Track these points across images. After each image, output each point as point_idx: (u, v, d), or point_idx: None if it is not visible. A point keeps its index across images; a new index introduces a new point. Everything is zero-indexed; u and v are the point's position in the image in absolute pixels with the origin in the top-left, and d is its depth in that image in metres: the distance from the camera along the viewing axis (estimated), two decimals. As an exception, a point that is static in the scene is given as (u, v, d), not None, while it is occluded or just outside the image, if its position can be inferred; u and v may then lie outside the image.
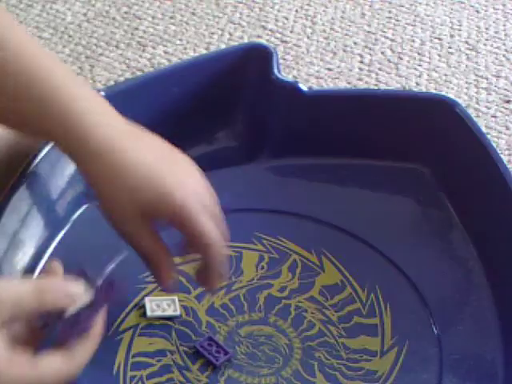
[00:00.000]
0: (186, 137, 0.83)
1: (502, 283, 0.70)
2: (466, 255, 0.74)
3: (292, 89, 0.81)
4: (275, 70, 0.82)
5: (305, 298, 0.74)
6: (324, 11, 1.14)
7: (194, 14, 1.12)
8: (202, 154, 0.83)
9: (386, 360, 0.69)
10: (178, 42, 1.09)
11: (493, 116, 0.98)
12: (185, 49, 1.07)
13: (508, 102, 1.00)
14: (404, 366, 0.69)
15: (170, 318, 0.72)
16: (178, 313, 0.72)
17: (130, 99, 0.81)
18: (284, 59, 1.06)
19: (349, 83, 1.04)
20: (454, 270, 0.74)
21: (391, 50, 1.09)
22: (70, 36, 1.08)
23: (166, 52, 1.07)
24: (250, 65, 0.83)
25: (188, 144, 0.83)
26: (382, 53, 1.08)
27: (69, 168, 0.76)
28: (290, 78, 0.85)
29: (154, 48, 1.08)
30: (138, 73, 1.02)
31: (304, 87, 0.81)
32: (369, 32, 1.11)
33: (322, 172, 0.82)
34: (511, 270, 0.69)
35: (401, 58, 1.07)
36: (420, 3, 1.15)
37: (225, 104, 0.84)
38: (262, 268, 0.76)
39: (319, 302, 0.74)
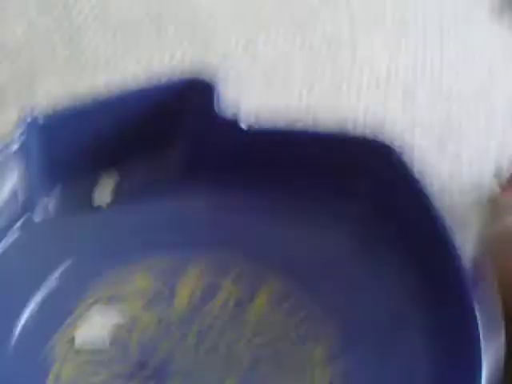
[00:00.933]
0: (123, 165, 0.83)
1: (434, 326, 0.71)
2: (398, 295, 0.75)
3: (232, 125, 0.82)
4: (216, 105, 0.82)
5: (236, 334, 0.74)
6: (265, 45, 1.15)
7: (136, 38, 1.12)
8: (137, 187, 0.83)
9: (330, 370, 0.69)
10: (120, 68, 1.08)
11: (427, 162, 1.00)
12: (125, 75, 1.06)
13: (442, 148, 1.02)
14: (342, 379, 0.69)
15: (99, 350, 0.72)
16: (107, 345, 0.72)
17: (66, 127, 0.81)
18: (226, 94, 1.06)
19: (287, 119, 1.05)
20: (386, 310, 0.75)
21: (332, 88, 1.10)
22: (9, 58, 1.07)
23: (106, 78, 1.07)
24: (190, 98, 0.84)
25: (124, 175, 0.83)
26: (323, 91, 1.10)
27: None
28: (232, 112, 0.86)
29: (94, 74, 1.07)
30: (77, 99, 1.01)
31: (243, 124, 0.82)
32: (309, 69, 1.12)
33: (254, 209, 0.82)
34: (443, 315, 0.70)
35: (339, 99, 1.09)
36: (359, 43, 1.17)
37: (162, 134, 0.84)
38: (195, 301, 0.76)
39: (250, 339, 0.74)
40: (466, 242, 0.89)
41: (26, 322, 0.73)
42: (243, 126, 0.82)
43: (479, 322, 0.65)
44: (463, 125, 1.05)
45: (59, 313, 0.74)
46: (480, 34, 1.17)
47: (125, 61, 1.09)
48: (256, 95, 1.08)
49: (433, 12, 1.20)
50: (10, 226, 0.78)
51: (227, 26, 1.14)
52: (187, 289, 0.77)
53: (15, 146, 0.78)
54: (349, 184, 0.81)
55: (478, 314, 0.66)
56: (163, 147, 0.84)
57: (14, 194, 0.78)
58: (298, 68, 1.13)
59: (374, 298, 0.75)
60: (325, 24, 1.17)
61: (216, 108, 0.83)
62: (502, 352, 0.65)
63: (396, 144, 0.81)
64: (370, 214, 0.79)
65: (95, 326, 0.73)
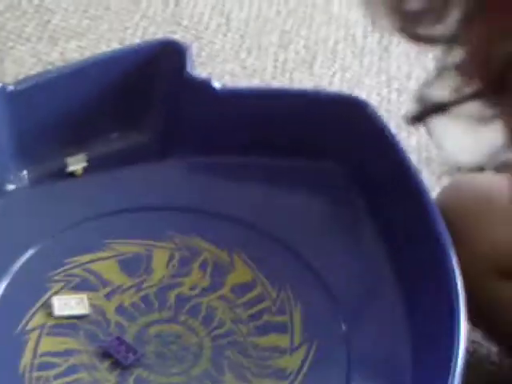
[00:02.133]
0: (97, 134, 0.82)
1: (409, 280, 0.71)
2: (375, 253, 0.75)
3: (205, 86, 0.81)
4: (188, 67, 0.81)
5: (216, 296, 0.74)
6: (239, 9, 1.14)
7: (108, 8, 1.11)
8: (113, 152, 0.82)
9: (296, 357, 0.70)
10: (92, 36, 1.07)
11: (403, 116, 0.99)
12: (98, 43, 1.05)
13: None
14: (313, 362, 0.69)
15: (78, 317, 0.71)
16: (86, 311, 0.71)
17: (39, 94, 0.79)
18: (199, 56, 1.05)
19: (263, 81, 1.04)
20: (363, 267, 0.75)
21: (306, 49, 1.09)
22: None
23: (78, 46, 1.06)
24: (163, 61, 0.83)
25: (99, 141, 0.82)
26: (296, 52, 1.09)
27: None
28: (203, 74, 0.85)
29: (66, 42, 1.06)
30: (50, 67, 1.00)
31: (217, 84, 0.81)
32: (283, 31, 1.12)
33: (234, 170, 0.82)
34: (419, 267, 0.70)
35: (315, 58, 1.08)
36: (334, 3, 1.16)
37: (137, 100, 0.83)
38: (173, 266, 0.76)
39: (230, 300, 0.73)
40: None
41: (3, 293, 0.72)
42: (216, 86, 0.81)
43: (455, 287, 0.65)
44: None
45: (36, 283, 0.73)
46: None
47: (98, 30, 1.08)
48: (231, 57, 1.07)
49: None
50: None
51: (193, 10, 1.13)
52: (165, 254, 0.76)
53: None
54: (324, 141, 0.80)
55: (454, 278, 0.65)
56: (138, 111, 0.83)
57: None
58: (273, 29, 1.12)
59: (352, 261, 0.75)
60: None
61: (189, 69, 0.81)
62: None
63: (370, 100, 0.80)
64: (345, 172, 0.79)
65: (73, 295, 0.72)
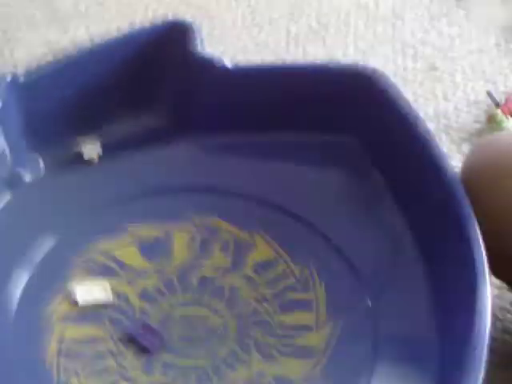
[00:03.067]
0: (109, 117, 0.81)
1: (432, 253, 0.70)
2: (396, 225, 0.74)
3: (216, 65, 0.80)
4: (198, 46, 0.80)
5: (238, 276, 0.73)
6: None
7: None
8: (127, 134, 0.82)
9: (322, 334, 0.69)
10: (101, 21, 1.06)
11: (420, 83, 0.98)
12: (108, 28, 1.04)
13: (434, 69, 1.00)
14: (340, 339, 0.69)
15: (101, 305, 0.71)
16: (110, 299, 0.71)
17: (50, 82, 0.79)
18: (210, 35, 1.04)
19: (276, 56, 1.03)
20: (385, 241, 0.74)
21: (317, 21, 1.08)
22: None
23: (88, 32, 1.05)
24: (172, 42, 0.82)
25: (113, 124, 0.82)
26: (309, 25, 1.08)
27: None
28: (215, 53, 0.84)
29: (76, 28, 1.05)
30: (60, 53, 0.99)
31: (228, 63, 0.80)
32: (294, 4, 1.10)
33: (249, 148, 0.81)
34: (442, 240, 0.69)
35: (327, 30, 1.06)
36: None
37: (148, 82, 0.82)
38: (194, 248, 0.75)
39: (253, 279, 0.73)
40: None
41: (26, 282, 0.72)
42: (227, 64, 0.80)
43: (479, 255, 0.64)
44: (455, 45, 1.03)
45: (58, 270, 0.73)
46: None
47: (107, 15, 1.07)
48: (243, 35, 1.06)
49: None
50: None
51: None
52: (185, 236, 0.76)
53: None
54: (341, 114, 0.79)
55: (477, 246, 0.64)
56: (149, 93, 0.82)
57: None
58: (283, 2, 1.11)
59: (373, 235, 0.74)
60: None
61: (199, 48, 0.80)
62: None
63: (385, 70, 0.79)
64: (361, 145, 0.78)
65: (95, 282, 0.72)
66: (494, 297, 0.74)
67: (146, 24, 0.85)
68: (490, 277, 0.64)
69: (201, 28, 0.82)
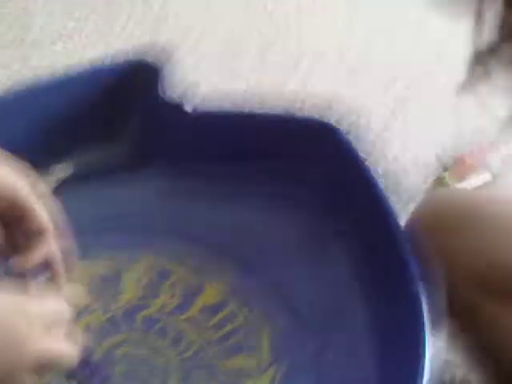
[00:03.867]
0: (68, 150, 0.82)
1: (378, 304, 0.71)
2: (346, 280, 0.75)
3: (177, 109, 0.81)
4: (160, 89, 0.81)
5: (184, 317, 0.74)
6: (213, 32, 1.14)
7: (93, 10, 1.10)
8: (85, 167, 0.82)
9: (264, 379, 0.70)
10: (78, 38, 1.06)
11: (372, 144, 1.00)
12: (84, 46, 1.05)
13: (387, 129, 1.02)
14: (282, 384, 0.69)
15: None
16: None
17: (17, 107, 0.79)
18: (184, 61, 1.05)
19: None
20: (332, 291, 0.75)
21: (281, 68, 1.10)
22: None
23: (65, 48, 1.05)
24: (137, 80, 0.83)
25: (73, 162, 0.82)
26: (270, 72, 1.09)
27: None
28: (177, 96, 0.84)
29: (53, 44, 1.05)
30: (36, 70, 0.99)
31: (188, 108, 0.81)
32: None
33: (204, 194, 0.82)
34: (387, 292, 0.71)
35: (289, 79, 1.08)
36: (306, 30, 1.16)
37: (112, 117, 0.83)
38: (142, 287, 0.75)
39: (199, 321, 0.73)
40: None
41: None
42: (188, 108, 0.81)
43: (426, 318, 0.65)
44: (409, 107, 1.06)
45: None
46: (428, 21, 1.18)
47: (84, 32, 1.07)
48: (204, 79, 1.07)
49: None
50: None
51: (178, 11, 1.13)
52: (134, 275, 0.76)
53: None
54: (296, 166, 0.81)
55: (424, 310, 0.65)
56: (111, 133, 0.83)
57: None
58: (246, 51, 1.12)
59: (322, 286, 0.75)
60: (273, 12, 1.17)
61: (161, 91, 0.81)
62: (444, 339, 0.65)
63: (342, 125, 0.81)
64: (315, 195, 0.79)
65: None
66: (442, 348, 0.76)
67: (117, 59, 0.85)
68: (436, 332, 0.65)
69: (165, 69, 0.83)
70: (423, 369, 0.62)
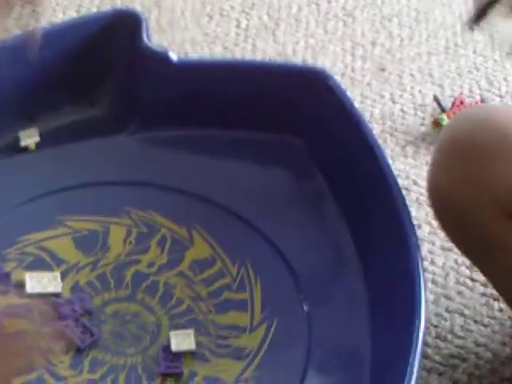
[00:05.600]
0: (50, 106, 0.80)
1: (371, 258, 0.70)
2: (337, 229, 0.74)
3: (161, 58, 0.79)
4: (144, 38, 0.79)
5: (174, 273, 0.72)
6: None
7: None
8: (68, 124, 0.80)
9: (255, 336, 0.68)
10: (48, 2, 1.04)
11: (368, 84, 0.98)
12: (54, 11, 1.02)
13: (383, 70, 1.00)
14: (273, 342, 0.68)
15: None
16: (59, 289, 0.70)
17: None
18: (158, 24, 1.03)
19: (225, 48, 1.02)
20: (325, 244, 0.74)
21: (268, 15, 1.07)
22: None
23: (34, 11, 1.02)
24: (118, 32, 0.81)
25: (54, 114, 0.80)
26: (259, 18, 1.06)
27: None
28: (161, 45, 0.82)
29: (22, 7, 1.03)
30: (4, 33, 0.97)
31: (174, 56, 0.79)
32: (246, -4, 1.09)
33: (192, 144, 0.80)
34: (380, 244, 0.69)
35: (278, 24, 1.06)
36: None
37: (92, 72, 0.81)
38: (130, 243, 0.74)
39: (189, 277, 0.72)
40: (408, 165, 0.88)
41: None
42: (173, 57, 0.79)
43: (416, 265, 0.64)
44: (404, 48, 1.03)
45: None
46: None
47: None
48: (192, 23, 1.05)
49: None
50: None
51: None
52: (122, 230, 0.74)
53: None
54: (285, 115, 0.79)
55: (419, 260, 0.64)
56: (93, 83, 0.81)
57: None
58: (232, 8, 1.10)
59: (316, 240, 0.74)
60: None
61: (145, 40, 0.79)
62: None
63: (334, 69, 0.79)
64: (307, 147, 0.77)
65: (45, 273, 0.70)
66: (430, 303, 0.75)
67: (93, 10, 0.83)
68: (426, 284, 0.64)
69: (147, 20, 0.81)
70: (418, 337, 0.61)
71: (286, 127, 0.79)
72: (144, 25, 0.80)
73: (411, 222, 0.67)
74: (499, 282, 0.67)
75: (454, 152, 0.64)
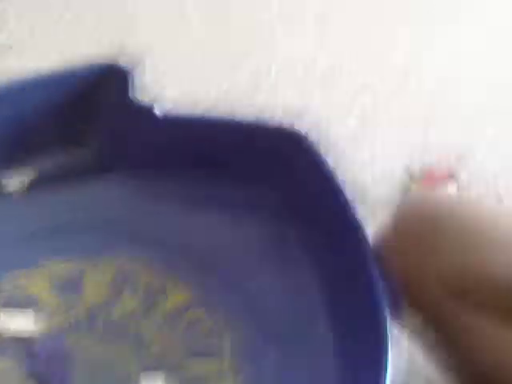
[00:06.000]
0: (36, 158, 0.82)
1: (342, 314, 0.72)
2: (310, 287, 0.75)
3: (147, 113, 0.81)
4: (130, 93, 0.81)
5: (147, 323, 0.73)
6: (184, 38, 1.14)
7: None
8: (54, 169, 0.82)
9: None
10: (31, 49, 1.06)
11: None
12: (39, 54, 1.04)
13: (355, 138, 1.03)
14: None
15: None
16: (33, 328, 0.70)
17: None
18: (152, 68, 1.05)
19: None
20: (296, 300, 0.75)
21: (250, 79, 1.10)
22: None
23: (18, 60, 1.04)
24: (105, 84, 0.83)
25: (38, 166, 0.82)
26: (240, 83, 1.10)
27: None
28: (148, 100, 0.84)
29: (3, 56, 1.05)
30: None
31: (159, 112, 0.81)
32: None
33: (171, 197, 0.82)
34: (351, 300, 0.71)
35: (257, 87, 1.09)
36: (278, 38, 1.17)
37: (80, 120, 0.83)
38: (105, 290, 0.75)
39: (162, 328, 0.73)
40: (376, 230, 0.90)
41: None
42: (158, 113, 0.81)
43: (388, 325, 0.66)
44: (378, 117, 1.06)
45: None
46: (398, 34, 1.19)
47: (40, 46, 1.07)
48: (176, 83, 1.07)
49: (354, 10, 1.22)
50: None
51: (149, 19, 1.13)
52: (98, 276, 0.76)
53: None
54: (264, 172, 0.81)
55: (387, 316, 0.66)
56: (80, 137, 0.83)
57: None
58: (216, 58, 1.13)
59: (288, 294, 0.75)
60: (243, 17, 1.17)
61: (131, 95, 0.81)
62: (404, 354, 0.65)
63: (310, 134, 0.81)
64: (283, 204, 0.80)
65: (16, 315, 0.71)
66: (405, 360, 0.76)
67: (85, 62, 0.85)
68: (398, 343, 0.66)
69: (135, 73, 0.83)
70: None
71: (264, 184, 0.81)
72: (130, 79, 0.82)
73: (381, 284, 0.69)
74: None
75: (398, 232, 0.69)
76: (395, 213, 0.72)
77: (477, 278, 0.66)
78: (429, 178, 0.96)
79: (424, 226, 0.69)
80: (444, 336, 0.69)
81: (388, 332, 0.65)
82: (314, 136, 0.81)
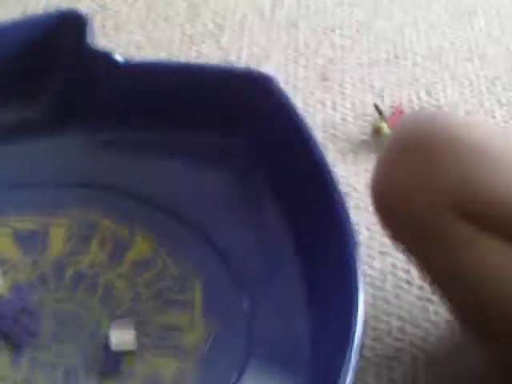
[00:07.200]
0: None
1: (311, 259, 0.71)
2: (278, 230, 0.74)
3: (106, 59, 0.79)
4: (90, 39, 0.79)
5: (115, 274, 0.72)
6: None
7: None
8: (11, 123, 0.80)
9: (195, 336, 0.69)
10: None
11: (310, 93, 0.99)
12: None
13: (325, 79, 1.01)
14: (213, 341, 0.68)
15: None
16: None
17: None
18: (103, 26, 1.03)
19: (170, 54, 1.02)
20: (265, 245, 0.74)
21: (213, 22, 1.08)
22: None
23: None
24: (63, 32, 0.80)
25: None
26: (204, 25, 1.07)
27: None
28: (106, 47, 0.82)
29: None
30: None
31: (119, 57, 0.79)
32: (191, 3, 1.10)
33: (136, 145, 0.80)
34: (320, 245, 0.70)
35: (223, 31, 1.07)
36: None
37: (36, 71, 0.80)
38: (71, 243, 0.74)
39: (130, 277, 0.72)
40: (348, 171, 0.90)
41: None
42: (119, 59, 0.79)
43: (354, 261, 0.65)
44: (346, 58, 1.04)
45: None
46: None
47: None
48: (138, 29, 1.05)
49: None
50: None
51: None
52: (62, 230, 0.74)
53: None
54: (231, 117, 0.79)
55: (353, 255, 0.65)
56: (38, 83, 0.81)
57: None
58: (180, 0, 1.10)
59: (256, 239, 0.74)
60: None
61: (90, 41, 0.79)
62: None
63: (277, 77, 0.79)
64: (250, 148, 0.78)
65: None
66: (368, 305, 0.76)
67: (39, 13, 0.83)
68: (364, 284, 0.65)
69: (92, 21, 0.81)
70: (355, 327, 0.62)
71: (230, 129, 0.79)
72: (89, 26, 0.79)
73: (351, 225, 0.68)
74: (441, 281, 0.67)
75: (403, 148, 0.64)
76: (399, 131, 0.67)
77: (489, 201, 0.63)
78: (398, 115, 0.95)
79: (436, 144, 0.64)
80: (450, 259, 0.66)
81: (359, 283, 0.64)
82: (280, 81, 0.79)
